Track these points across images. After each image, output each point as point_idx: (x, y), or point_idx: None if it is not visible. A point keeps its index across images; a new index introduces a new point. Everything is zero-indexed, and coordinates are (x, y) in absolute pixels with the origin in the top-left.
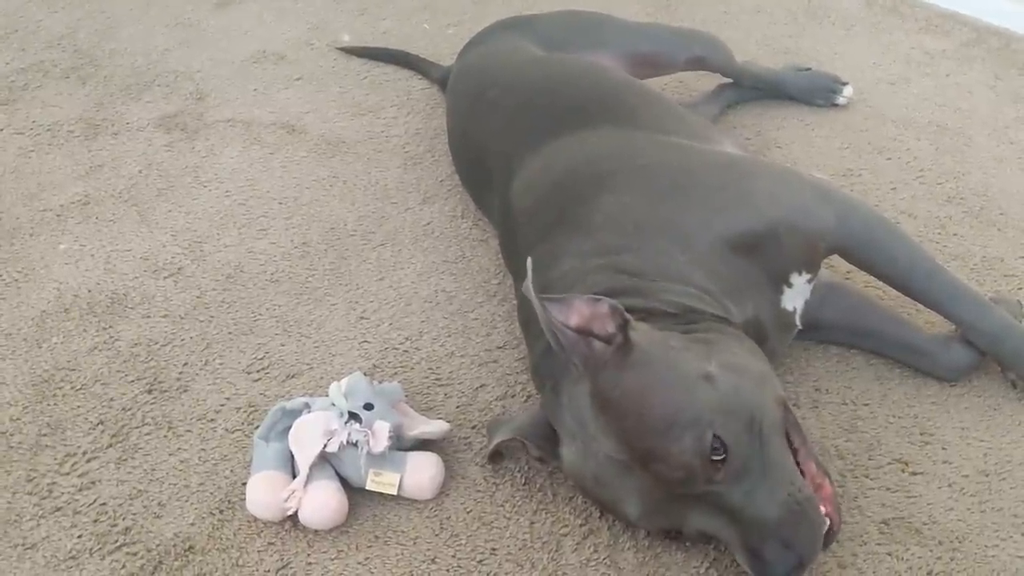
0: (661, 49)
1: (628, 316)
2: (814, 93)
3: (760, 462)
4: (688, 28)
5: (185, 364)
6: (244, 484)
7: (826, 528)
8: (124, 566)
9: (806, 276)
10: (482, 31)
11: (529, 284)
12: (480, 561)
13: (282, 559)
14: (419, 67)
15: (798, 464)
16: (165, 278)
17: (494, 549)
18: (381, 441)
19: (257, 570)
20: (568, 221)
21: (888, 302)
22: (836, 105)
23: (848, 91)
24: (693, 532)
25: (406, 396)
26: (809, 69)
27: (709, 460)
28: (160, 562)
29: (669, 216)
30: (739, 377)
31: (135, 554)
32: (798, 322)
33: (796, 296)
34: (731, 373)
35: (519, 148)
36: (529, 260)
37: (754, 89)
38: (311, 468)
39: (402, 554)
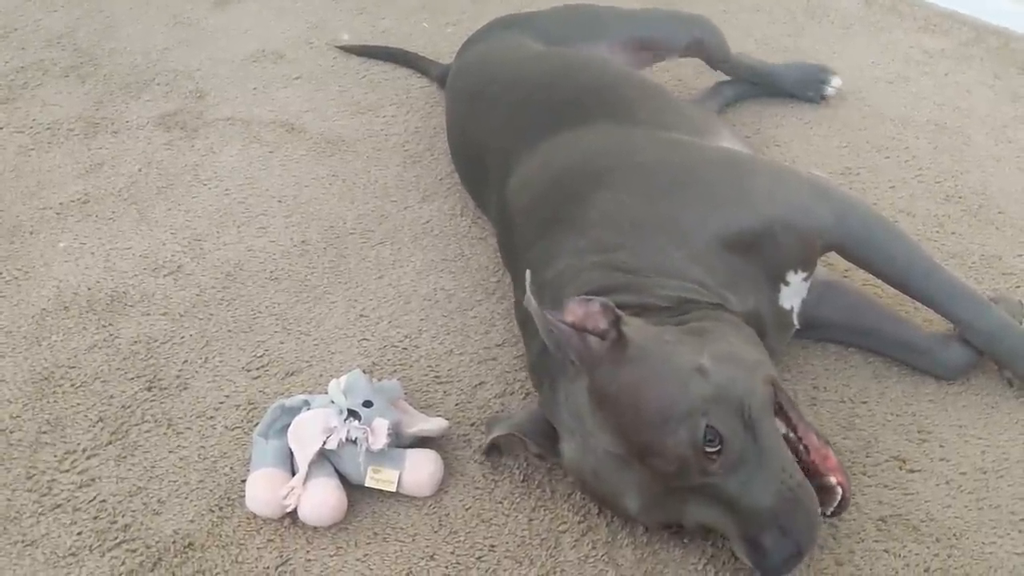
0: (660, 34)
1: (619, 313)
2: (805, 85)
3: (755, 450)
4: (686, 12)
5: (185, 362)
6: (243, 481)
7: (839, 496)
8: (124, 563)
9: (802, 274)
10: (481, 29)
11: (530, 297)
12: (479, 558)
13: (281, 556)
14: (418, 65)
15: (799, 438)
16: (165, 276)
17: (493, 546)
18: (380, 438)
19: (256, 567)
20: (565, 218)
21: (886, 300)
22: (825, 96)
23: (836, 81)
24: (693, 525)
25: (405, 393)
26: None
27: (703, 452)
28: (159, 559)
29: (666, 213)
30: (732, 367)
31: (135, 551)
32: (795, 321)
33: (793, 295)
34: (724, 364)
35: (517, 145)
36: (528, 274)
37: (749, 83)
38: (310, 465)
39: (401, 551)
